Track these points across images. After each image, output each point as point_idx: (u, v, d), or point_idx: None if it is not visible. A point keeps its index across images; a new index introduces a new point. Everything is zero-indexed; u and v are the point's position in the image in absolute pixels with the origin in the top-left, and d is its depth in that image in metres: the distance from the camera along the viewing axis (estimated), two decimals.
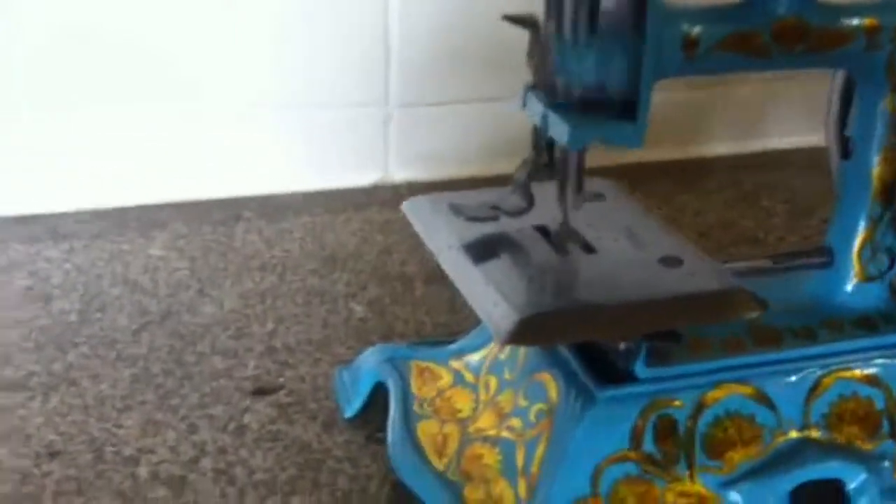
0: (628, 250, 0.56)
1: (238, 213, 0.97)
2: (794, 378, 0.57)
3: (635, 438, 0.54)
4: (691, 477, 0.55)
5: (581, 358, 0.56)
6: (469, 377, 0.63)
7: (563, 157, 0.53)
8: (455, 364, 0.65)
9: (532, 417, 0.57)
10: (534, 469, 0.55)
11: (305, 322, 0.79)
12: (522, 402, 0.58)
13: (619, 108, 0.51)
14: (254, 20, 0.96)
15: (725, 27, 0.52)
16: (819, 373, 0.57)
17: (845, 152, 0.59)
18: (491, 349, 0.63)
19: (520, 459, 0.56)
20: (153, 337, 0.77)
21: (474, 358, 0.64)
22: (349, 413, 0.68)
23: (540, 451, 0.55)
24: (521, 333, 0.48)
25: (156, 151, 0.97)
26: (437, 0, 1.00)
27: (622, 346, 0.54)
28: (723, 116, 1.13)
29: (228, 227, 0.94)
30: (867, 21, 0.54)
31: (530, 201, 0.57)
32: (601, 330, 0.51)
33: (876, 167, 0.58)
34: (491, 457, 0.57)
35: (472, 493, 0.56)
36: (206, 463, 0.64)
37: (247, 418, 0.68)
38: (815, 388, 0.57)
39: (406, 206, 0.62)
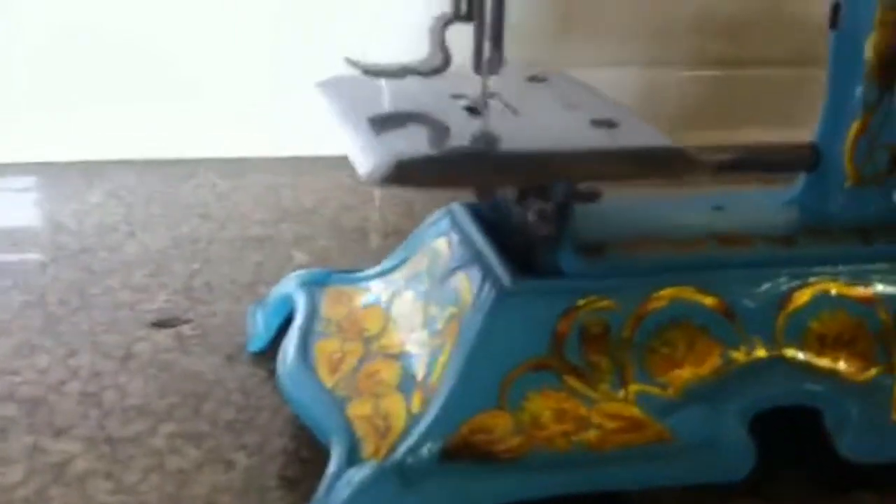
0: (557, 113, 0.46)
1: (193, 171, 0.88)
2: (763, 286, 0.46)
3: (556, 343, 0.43)
4: (625, 397, 0.44)
5: (503, 254, 0.46)
6: (384, 296, 0.53)
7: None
8: (372, 285, 0.55)
9: (440, 325, 0.47)
10: (432, 380, 0.44)
11: (236, 265, 0.70)
12: (433, 311, 0.48)
13: None
14: None
15: None
16: (795, 283, 0.46)
17: (833, 19, 0.49)
18: (412, 263, 0.53)
19: (419, 371, 0.46)
20: (60, 269, 0.69)
21: (393, 276, 0.54)
22: (254, 346, 0.58)
23: (442, 358, 0.45)
24: (391, 173, 0.39)
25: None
26: None
27: (543, 229, 0.44)
28: None
29: (180, 181, 0.86)
30: None
31: (446, 59, 0.47)
32: (488, 177, 0.41)
33: (870, 34, 0.47)
34: (389, 372, 0.47)
35: (357, 408, 0.45)
36: (75, 385, 0.55)
37: (138, 347, 0.59)
38: (788, 300, 0.46)
39: (320, 84, 0.52)
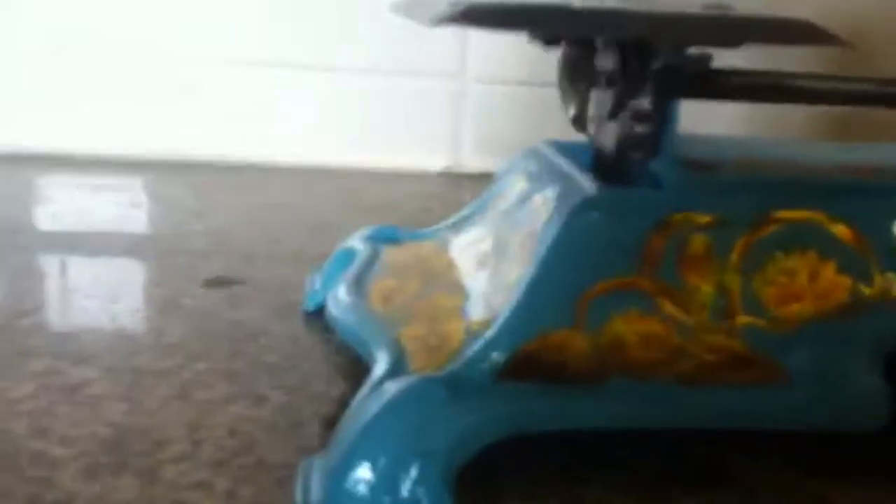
0: (664, 3, 0.40)
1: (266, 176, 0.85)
2: None
3: (648, 261, 0.36)
4: (729, 329, 0.36)
5: (590, 172, 0.40)
6: (454, 240, 0.47)
7: None
8: (445, 234, 0.49)
9: (513, 248, 0.40)
10: (499, 298, 0.38)
11: (302, 240, 0.65)
12: (506, 237, 0.42)
13: None
14: None
15: None
16: None
17: None
18: (488, 207, 0.47)
19: (485, 293, 0.39)
20: (137, 246, 0.65)
21: (465, 224, 0.48)
22: (310, 303, 0.52)
23: (512, 276, 0.38)
24: (460, 11, 0.33)
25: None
26: None
27: (640, 130, 0.37)
28: None
29: (253, 186, 0.82)
30: None
31: None
32: (582, 22, 0.35)
33: None
34: (450, 300, 0.41)
35: (410, 330, 0.39)
36: (110, 325, 0.49)
37: (186, 300, 0.53)
38: None
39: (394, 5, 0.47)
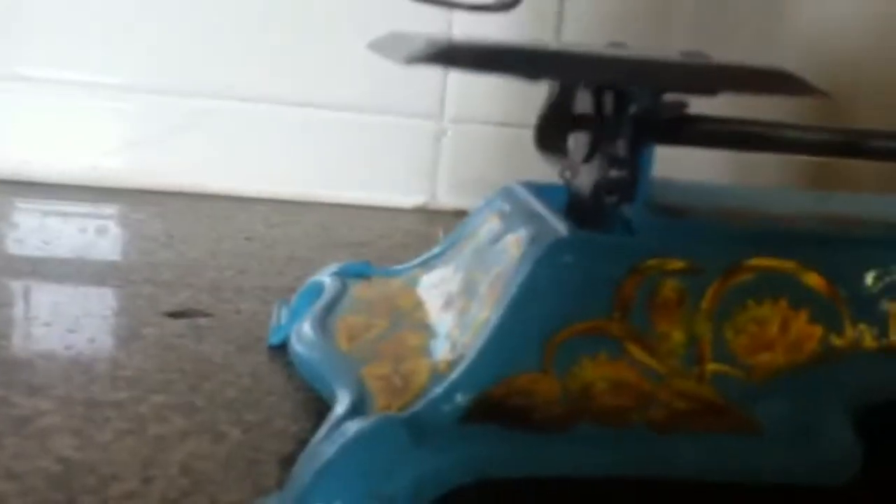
0: (642, 51, 0.39)
1: (247, 206, 0.84)
2: (877, 268, 0.38)
3: (619, 306, 0.36)
4: (699, 376, 0.35)
5: (564, 214, 0.39)
6: (423, 278, 0.46)
7: None
8: (413, 272, 0.48)
9: (483, 288, 0.39)
10: (466, 338, 0.37)
11: (273, 275, 0.64)
12: (476, 277, 0.41)
13: None
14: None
15: None
16: None
17: None
18: (459, 246, 0.46)
19: (452, 333, 0.38)
20: (85, 265, 0.63)
21: (435, 261, 0.47)
22: (275, 339, 0.51)
23: (481, 316, 0.37)
24: (435, 51, 0.32)
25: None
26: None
27: (614, 174, 0.37)
28: None
29: (233, 213, 0.81)
30: None
31: None
32: (559, 68, 0.34)
33: None
34: (416, 338, 0.40)
35: (374, 369, 0.38)
36: (66, 354, 0.48)
37: (147, 330, 0.52)
38: None
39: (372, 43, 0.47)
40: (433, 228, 0.83)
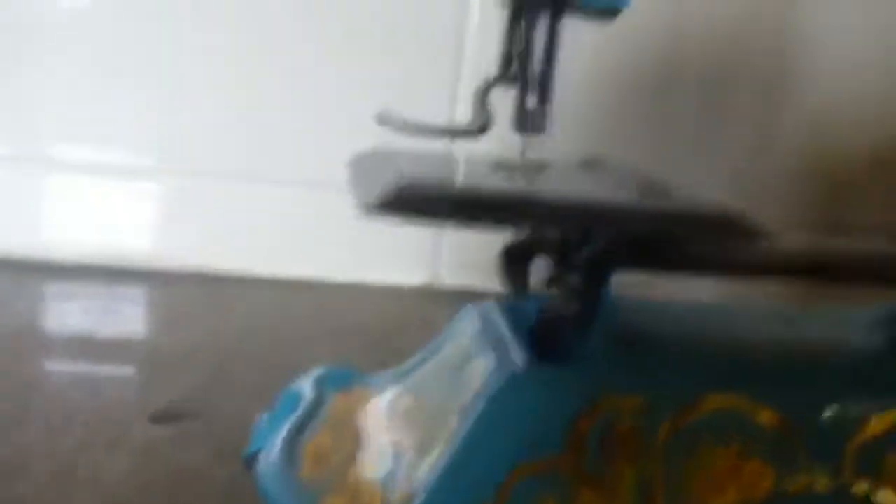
0: (605, 185, 0.40)
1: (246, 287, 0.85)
2: (833, 406, 0.38)
3: (572, 444, 0.36)
4: None
5: (527, 340, 0.40)
6: (393, 396, 0.47)
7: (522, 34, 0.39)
8: (387, 386, 0.49)
9: (444, 419, 0.40)
10: (422, 473, 0.37)
11: (261, 370, 0.65)
12: (439, 406, 0.41)
13: None
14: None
15: None
16: (873, 405, 0.38)
17: None
18: (432, 362, 0.47)
19: (410, 466, 0.39)
20: (100, 354, 0.64)
21: (408, 378, 0.48)
22: (253, 447, 0.51)
23: (437, 450, 0.37)
24: (389, 200, 0.33)
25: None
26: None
27: (570, 308, 0.37)
28: None
29: (234, 297, 0.82)
30: None
31: (486, 121, 0.42)
32: (507, 214, 0.35)
33: None
34: (377, 468, 0.40)
35: (332, 500, 0.38)
36: (39, 464, 0.49)
37: (130, 434, 0.53)
38: (863, 426, 0.38)
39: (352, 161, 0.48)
40: (437, 308, 0.83)
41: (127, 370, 0.62)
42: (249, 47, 0.86)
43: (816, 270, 0.41)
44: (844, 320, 0.44)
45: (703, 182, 0.88)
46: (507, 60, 0.41)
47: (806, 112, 0.90)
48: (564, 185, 0.39)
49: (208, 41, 0.85)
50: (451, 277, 0.91)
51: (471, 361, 0.42)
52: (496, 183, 0.38)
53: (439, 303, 0.85)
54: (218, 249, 0.87)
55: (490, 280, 0.88)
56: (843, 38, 0.90)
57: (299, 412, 0.48)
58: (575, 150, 0.89)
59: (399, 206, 0.33)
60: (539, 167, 0.42)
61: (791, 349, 0.40)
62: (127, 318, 0.74)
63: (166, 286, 0.82)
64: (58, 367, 0.63)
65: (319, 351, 0.69)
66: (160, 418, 0.55)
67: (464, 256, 0.91)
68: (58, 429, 0.52)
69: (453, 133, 0.42)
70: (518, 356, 0.38)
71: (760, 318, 0.44)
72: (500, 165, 0.42)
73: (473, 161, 0.43)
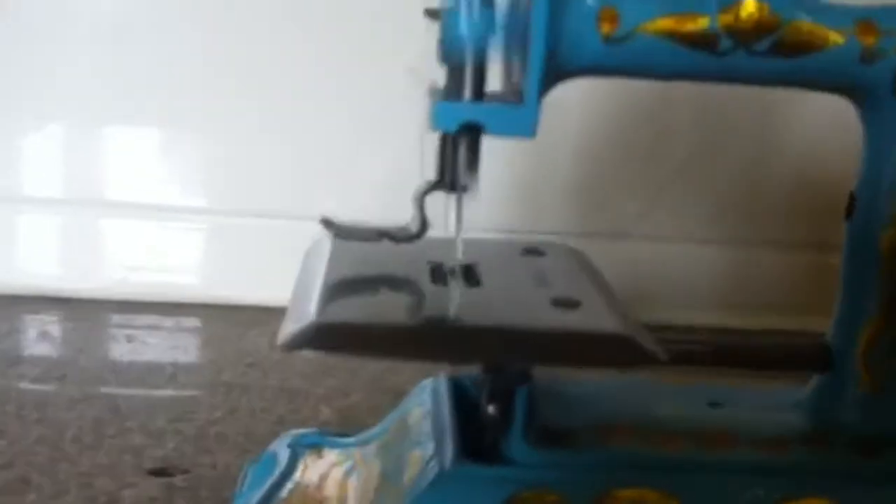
0: (521, 289, 0.43)
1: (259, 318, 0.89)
2: (741, 495, 0.41)
3: None
4: None
5: (463, 434, 0.43)
6: (353, 466, 0.50)
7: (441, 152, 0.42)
8: (351, 453, 0.52)
9: (387, 497, 0.43)
10: None
11: (258, 417, 0.69)
12: (384, 488, 0.45)
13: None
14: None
15: (652, 5, 0.40)
16: (779, 495, 0.41)
17: (848, 209, 0.45)
18: (389, 433, 0.50)
19: None
20: (88, 407, 0.69)
21: (369, 446, 0.51)
22: None
23: None
24: (303, 337, 0.36)
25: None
26: None
27: (490, 408, 0.40)
28: None
29: (245, 328, 0.86)
30: (861, 23, 0.41)
31: (423, 226, 0.45)
32: (409, 350, 0.38)
33: (888, 228, 0.43)
34: None
35: None
36: None
37: (125, 493, 0.57)
38: None
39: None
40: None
41: (129, 428, 0.66)
42: (295, 101, 0.89)
43: (725, 360, 0.43)
44: (765, 402, 0.46)
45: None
46: (441, 171, 0.44)
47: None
48: (485, 298, 0.42)
49: (254, 93, 0.89)
50: None
51: (414, 446, 0.45)
52: (412, 304, 0.41)
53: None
54: (242, 280, 0.92)
55: None
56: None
57: (274, 475, 0.52)
58: (566, 214, 0.91)
59: (310, 347, 0.36)
60: (473, 265, 0.45)
61: (706, 436, 0.43)
62: (133, 367, 0.79)
63: (184, 317, 0.86)
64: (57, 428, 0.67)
65: (313, 395, 0.73)
66: (154, 472, 0.60)
67: None
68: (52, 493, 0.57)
69: (393, 237, 0.45)
70: (448, 452, 0.41)
71: (682, 397, 0.46)
72: (434, 268, 0.45)
73: (411, 261, 0.46)
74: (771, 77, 0.41)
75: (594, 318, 0.39)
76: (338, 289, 0.43)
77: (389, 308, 0.41)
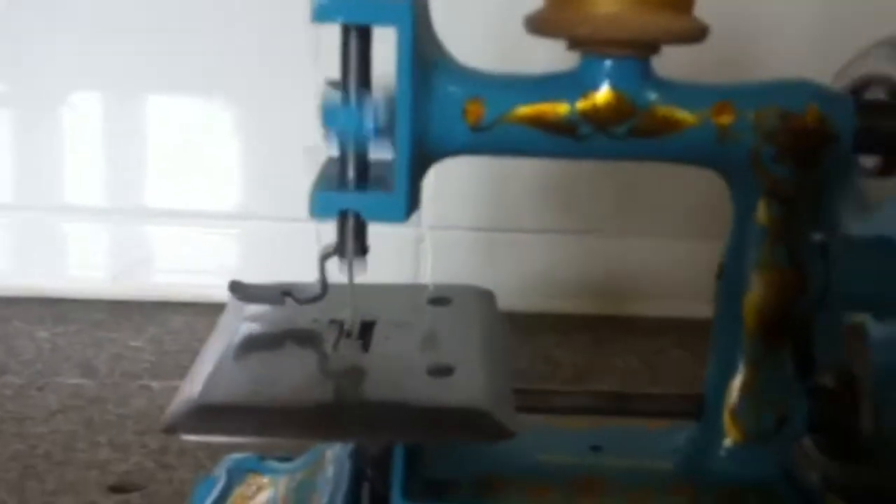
0: (406, 354, 0.46)
1: None
2: None
3: None
4: None
5: (357, 485, 0.47)
6: (280, 494, 0.55)
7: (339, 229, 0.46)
8: (281, 481, 0.56)
9: None
10: None
11: None
12: None
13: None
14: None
15: (514, 95, 0.43)
16: None
17: (718, 272, 0.47)
18: (314, 465, 0.54)
19: None
20: (64, 421, 0.74)
21: (296, 475, 0.55)
22: None
23: None
24: (182, 422, 0.40)
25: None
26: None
27: (367, 469, 0.44)
28: None
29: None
30: (716, 104, 0.43)
31: (324, 288, 0.49)
32: (279, 430, 0.42)
33: (749, 292, 0.46)
34: None
35: None
36: None
37: None
38: None
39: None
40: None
41: (98, 443, 0.71)
42: None
43: (605, 411, 0.47)
44: (646, 446, 0.50)
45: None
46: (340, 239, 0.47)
47: None
48: (367, 367, 0.45)
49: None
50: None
51: (319, 487, 0.49)
52: (300, 375, 0.45)
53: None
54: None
55: None
56: None
57: (212, 497, 0.56)
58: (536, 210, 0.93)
59: (189, 431, 0.40)
60: (373, 322, 0.49)
61: (575, 487, 0.46)
62: (112, 376, 0.83)
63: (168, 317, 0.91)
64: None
65: None
66: (115, 489, 0.64)
67: (439, 276, 0.98)
68: None
69: (297, 298, 0.49)
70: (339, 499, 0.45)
71: (568, 442, 0.50)
72: (335, 326, 0.49)
73: (317, 318, 0.49)
74: (632, 156, 0.44)
75: (460, 388, 0.43)
76: (240, 351, 0.46)
77: (273, 382, 0.44)
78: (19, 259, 0.97)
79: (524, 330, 0.92)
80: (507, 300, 0.97)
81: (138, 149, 0.95)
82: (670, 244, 0.97)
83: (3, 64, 0.93)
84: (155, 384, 0.80)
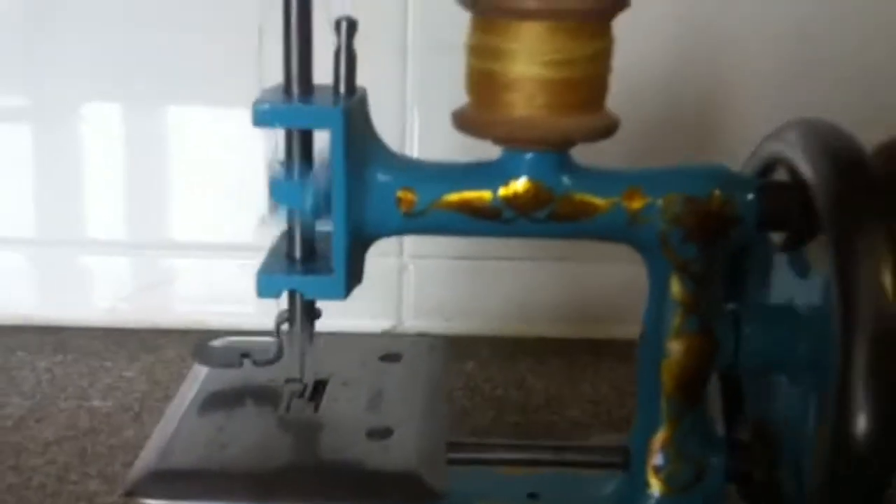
0: (350, 415, 0.51)
1: None
2: None
3: None
4: None
5: None
6: None
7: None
8: None
9: None
10: None
11: None
12: None
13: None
14: None
15: (443, 185, 0.47)
16: None
17: (642, 332, 0.51)
18: None
19: None
20: (59, 453, 0.78)
21: None
22: None
23: None
24: (141, 487, 0.45)
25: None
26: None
27: None
28: None
29: None
30: (627, 191, 0.47)
31: (279, 351, 0.53)
32: (226, 496, 0.46)
33: (666, 359, 0.50)
34: None
35: None
36: None
37: None
38: None
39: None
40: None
41: (81, 478, 0.76)
42: None
43: (537, 462, 0.51)
44: (583, 489, 0.54)
45: None
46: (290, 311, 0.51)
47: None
48: (313, 428, 0.50)
49: None
50: (411, 322, 1.02)
51: None
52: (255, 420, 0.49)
53: (401, 344, 0.96)
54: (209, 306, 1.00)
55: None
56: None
57: None
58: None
59: (147, 496, 0.44)
60: (326, 380, 0.53)
61: None
62: (102, 407, 0.88)
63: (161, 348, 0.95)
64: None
65: None
66: None
67: (422, 304, 1.02)
68: None
69: (255, 361, 0.53)
70: None
71: (507, 489, 0.54)
72: (291, 384, 0.53)
73: (274, 377, 0.54)
74: (554, 236, 0.48)
75: (395, 450, 0.47)
76: (200, 412, 0.51)
77: (224, 446, 0.48)
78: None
79: (503, 356, 0.96)
80: (489, 325, 1.02)
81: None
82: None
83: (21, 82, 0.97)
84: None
